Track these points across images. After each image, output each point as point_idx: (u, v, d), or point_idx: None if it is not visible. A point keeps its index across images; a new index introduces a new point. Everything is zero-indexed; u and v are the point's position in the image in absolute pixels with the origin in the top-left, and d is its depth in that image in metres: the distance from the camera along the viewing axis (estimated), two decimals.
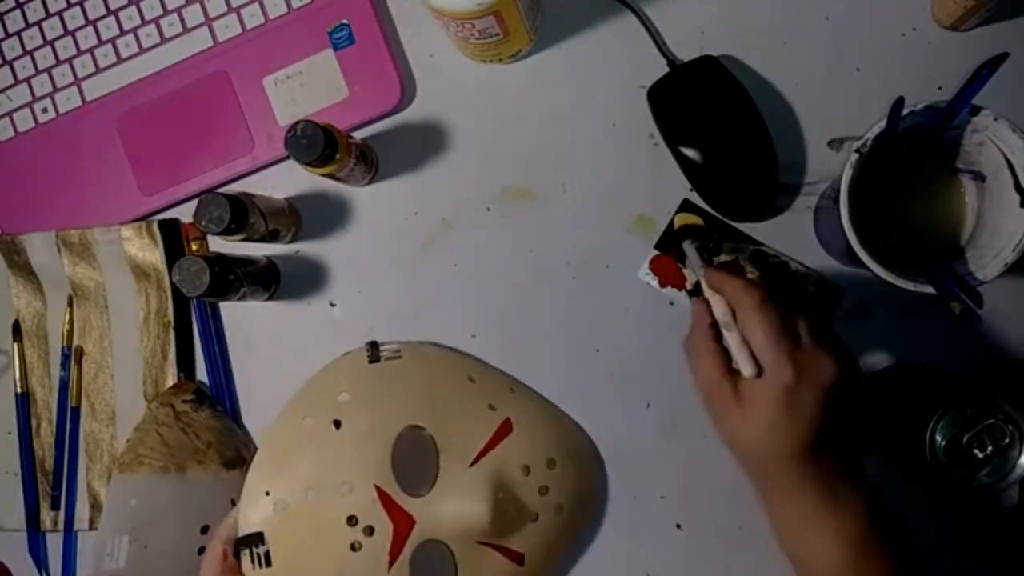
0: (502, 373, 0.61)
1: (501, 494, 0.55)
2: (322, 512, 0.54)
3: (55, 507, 0.65)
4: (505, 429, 0.57)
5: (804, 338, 0.47)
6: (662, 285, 0.60)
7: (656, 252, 0.60)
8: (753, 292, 0.47)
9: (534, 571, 0.57)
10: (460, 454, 0.56)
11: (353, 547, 0.53)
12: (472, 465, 0.56)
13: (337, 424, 0.55)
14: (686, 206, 0.60)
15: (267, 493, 0.55)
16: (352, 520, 0.53)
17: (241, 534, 0.55)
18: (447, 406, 0.57)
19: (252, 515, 0.55)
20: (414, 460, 0.55)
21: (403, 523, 0.54)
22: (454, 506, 0.54)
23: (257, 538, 0.54)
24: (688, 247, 0.55)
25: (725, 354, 0.48)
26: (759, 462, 0.48)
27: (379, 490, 0.54)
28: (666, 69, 0.60)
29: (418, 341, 0.62)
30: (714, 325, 0.49)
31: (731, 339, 0.47)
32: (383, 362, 0.59)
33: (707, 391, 0.49)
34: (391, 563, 0.54)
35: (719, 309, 0.48)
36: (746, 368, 0.46)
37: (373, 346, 0.60)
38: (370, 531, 0.54)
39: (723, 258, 0.59)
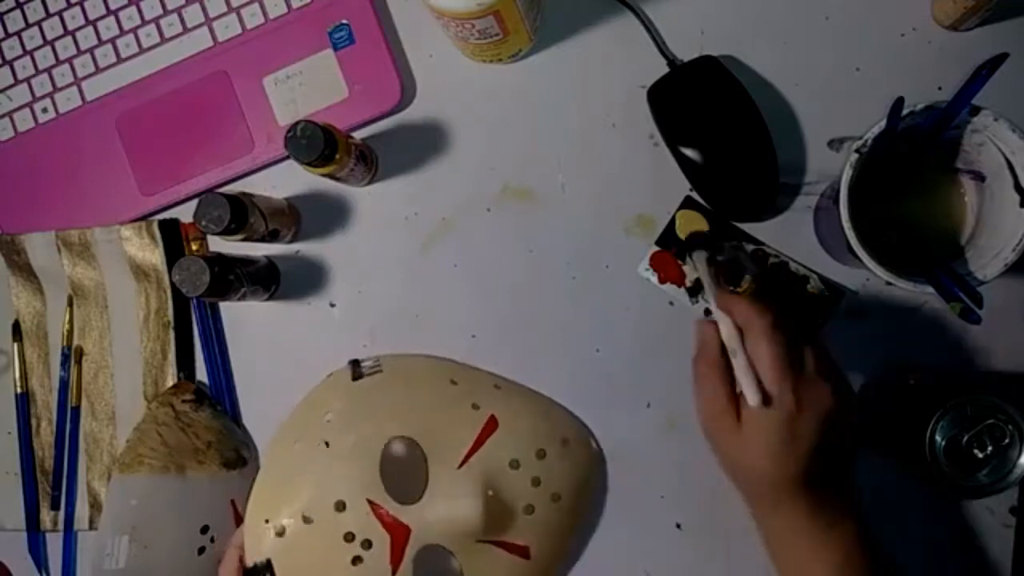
0: (486, 372, 0.62)
1: (491, 492, 0.55)
2: (320, 532, 0.55)
3: (55, 507, 0.65)
4: (490, 427, 0.57)
5: (808, 368, 0.47)
6: (661, 281, 0.60)
7: (656, 248, 0.60)
8: (763, 317, 0.46)
9: (542, 561, 0.57)
10: (448, 458, 0.56)
11: (354, 562, 0.54)
12: (460, 467, 0.56)
13: (325, 445, 0.56)
14: (688, 203, 0.60)
15: (267, 521, 0.56)
16: (349, 536, 0.54)
17: (249, 564, 0.56)
18: (431, 412, 0.58)
19: (256, 544, 0.56)
20: (403, 470, 0.56)
21: (399, 532, 0.54)
22: (445, 510, 0.54)
23: (265, 566, 0.55)
24: (699, 261, 0.54)
25: (730, 380, 0.48)
26: (755, 486, 0.49)
27: (372, 504, 0.55)
28: (666, 69, 0.60)
29: (399, 353, 0.62)
30: (722, 349, 0.48)
31: (737, 364, 0.47)
32: (365, 378, 0.59)
33: (709, 417, 0.49)
34: (394, 572, 0.54)
35: (727, 332, 0.48)
36: (751, 397, 0.46)
37: (355, 364, 0.61)
38: (368, 544, 0.54)
39: (725, 256, 0.59)
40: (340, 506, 0.54)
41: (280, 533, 0.55)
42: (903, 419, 0.53)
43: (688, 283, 0.60)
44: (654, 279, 0.60)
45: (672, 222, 0.60)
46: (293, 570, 0.55)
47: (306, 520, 0.55)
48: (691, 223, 0.60)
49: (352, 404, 0.59)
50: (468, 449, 0.56)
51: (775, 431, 0.46)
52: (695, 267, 0.54)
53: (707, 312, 0.59)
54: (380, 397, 0.59)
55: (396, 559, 0.54)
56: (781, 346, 0.46)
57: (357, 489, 0.55)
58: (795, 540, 0.48)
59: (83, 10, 0.65)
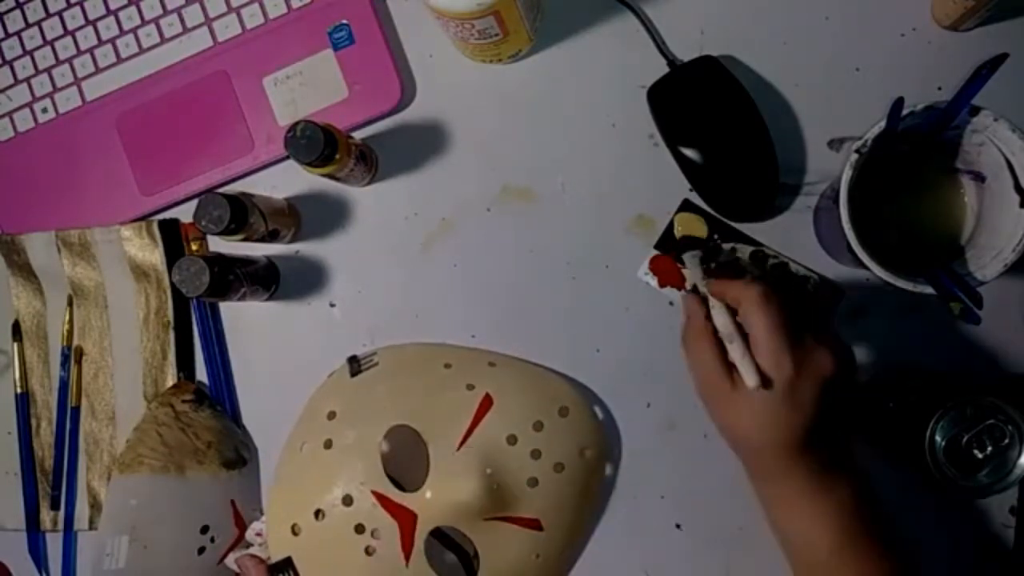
0: (481, 350, 0.62)
1: (490, 469, 0.56)
2: (332, 527, 0.56)
3: (55, 507, 0.65)
4: (485, 405, 0.58)
5: (804, 332, 0.47)
6: (662, 285, 0.60)
7: (656, 252, 0.60)
8: (754, 287, 0.47)
9: (554, 532, 0.58)
10: (447, 441, 0.57)
11: (367, 552, 0.55)
12: (459, 449, 0.56)
13: (328, 444, 0.57)
14: (686, 206, 0.60)
15: (283, 521, 0.58)
16: (359, 528, 0.55)
17: (271, 562, 0.58)
18: (427, 398, 0.58)
19: (277, 544, 0.58)
20: (404, 458, 0.57)
21: (406, 519, 0.55)
22: (447, 492, 0.55)
23: (287, 563, 0.57)
24: (689, 259, 0.56)
25: (722, 346, 0.49)
26: (754, 450, 0.50)
27: (376, 494, 0.55)
28: (666, 69, 0.60)
29: (394, 344, 0.62)
30: (710, 319, 0.49)
31: (733, 351, 0.48)
32: (363, 373, 0.60)
33: (705, 384, 0.50)
34: (407, 558, 0.55)
35: (720, 319, 0.49)
36: (749, 379, 0.46)
37: (353, 360, 0.61)
38: (378, 534, 0.55)
39: (723, 259, 0.59)
40: (347, 500, 0.56)
41: (296, 532, 0.57)
42: (903, 419, 0.53)
43: (688, 287, 0.60)
44: (654, 283, 0.60)
45: (670, 225, 0.60)
46: (312, 565, 0.57)
47: (318, 517, 0.56)
48: (689, 226, 0.60)
49: (351, 400, 0.59)
50: (465, 430, 0.57)
51: (773, 402, 0.46)
52: (687, 263, 0.56)
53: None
54: (377, 389, 0.59)
55: (407, 545, 0.55)
56: (774, 313, 0.47)
57: (361, 482, 0.56)
58: (796, 505, 0.49)
59: (83, 10, 0.65)
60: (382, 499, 0.55)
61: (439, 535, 0.56)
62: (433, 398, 0.58)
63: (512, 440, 0.57)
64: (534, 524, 0.57)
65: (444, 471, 0.56)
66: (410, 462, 0.56)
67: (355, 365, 0.61)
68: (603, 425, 0.61)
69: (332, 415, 0.58)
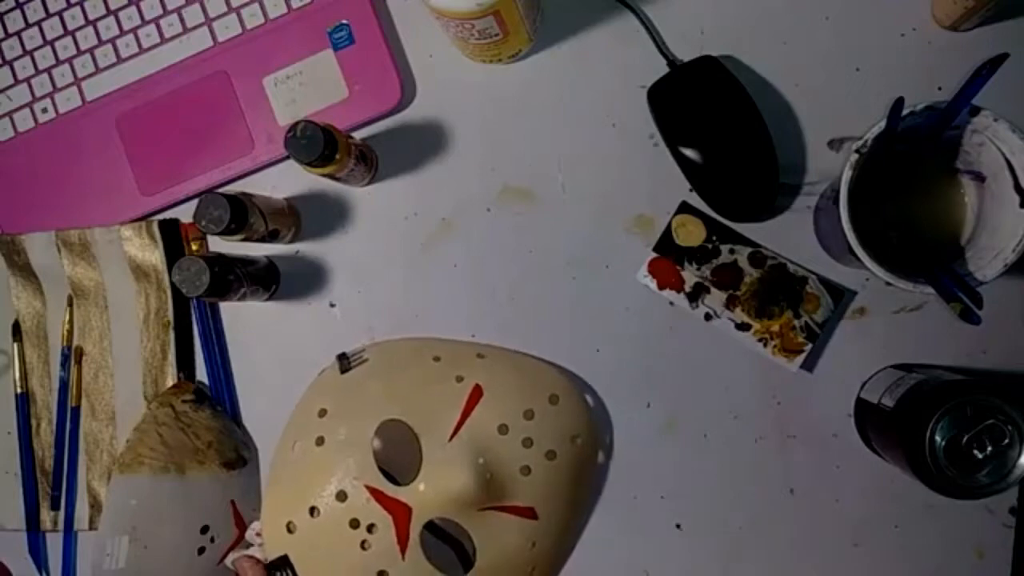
0: (470, 343, 0.62)
1: (482, 460, 0.56)
2: (327, 523, 0.56)
3: (55, 507, 0.65)
4: (475, 396, 0.58)
5: None
6: (660, 287, 0.60)
7: (654, 255, 0.60)
8: None
9: (550, 519, 0.58)
10: (438, 434, 0.57)
11: (363, 546, 0.55)
12: (451, 440, 0.56)
13: (319, 441, 0.57)
14: (684, 208, 0.60)
15: (278, 520, 0.58)
16: (354, 523, 0.55)
17: (268, 561, 0.58)
18: (417, 391, 0.58)
19: (273, 542, 0.58)
20: (396, 452, 0.57)
21: (400, 512, 0.55)
22: (439, 484, 0.55)
23: (283, 561, 0.57)
24: None
25: None
26: None
27: (370, 489, 0.55)
28: (666, 69, 0.60)
29: (385, 340, 0.63)
30: None
31: None
32: (353, 369, 0.60)
33: None
34: (403, 551, 0.55)
35: None
36: None
37: (342, 358, 0.61)
38: (373, 528, 0.56)
39: (721, 261, 0.59)
40: (341, 496, 0.56)
41: (291, 530, 0.57)
42: (903, 419, 0.53)
43: (687, 288, 0.60)
44: (653, 285, 0.60)
45: (669, 228, 0.60)
46: (308, 562, 0.57)
47: (312, 514, 0.56)
48: (688, 228, 0.60)
49: (342, 397, 0.59)
50: (456, 422, 0.57)
51: None
52: None
53: (707, 317, 0.59)
54: (368, 385, 0.59)
55: (403, 538, 0.55)
56: None
57: (355, 477, 0.56)
58: None
59: (83, 10, 0.65)
60: (376, 493, 0.55)
61: (434, 527, 0.56)
62: (423, 391, 0.58)
63: (503, 429, 0.57)
64: (529, 512, 0.57)
65: (437, 463, 0.56)
66: (403, 456, 0.57)
67: (344, 362, 0.61)
68: (594, 412, 0.61)
69: (323, 412, 0.58)
